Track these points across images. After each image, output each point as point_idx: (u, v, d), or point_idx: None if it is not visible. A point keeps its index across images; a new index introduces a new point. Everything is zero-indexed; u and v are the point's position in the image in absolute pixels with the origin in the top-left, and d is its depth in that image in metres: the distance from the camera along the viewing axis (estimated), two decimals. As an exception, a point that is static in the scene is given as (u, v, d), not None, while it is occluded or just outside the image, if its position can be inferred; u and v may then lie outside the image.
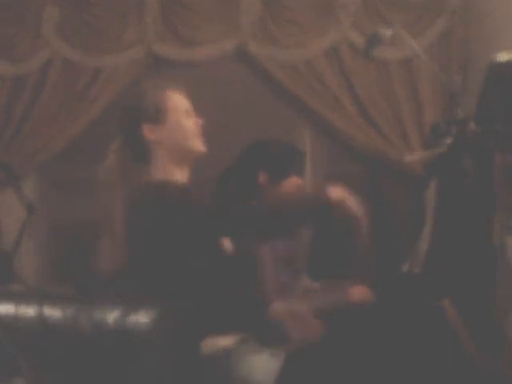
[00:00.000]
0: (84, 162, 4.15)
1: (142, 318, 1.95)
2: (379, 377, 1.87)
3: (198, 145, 2.09)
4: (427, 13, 3.86)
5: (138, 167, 2.10)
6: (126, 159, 2.12)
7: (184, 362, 1.88)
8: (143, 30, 3.97)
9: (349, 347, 1.99)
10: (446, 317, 1.94)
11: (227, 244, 2.06)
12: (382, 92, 3.90)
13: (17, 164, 3.95)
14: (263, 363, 1.89)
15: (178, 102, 2.11)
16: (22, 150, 3.99)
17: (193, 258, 1.86)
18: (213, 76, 4.10)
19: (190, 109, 2.12)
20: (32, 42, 4.01)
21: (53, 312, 2.03)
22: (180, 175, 2.08)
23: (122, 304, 2.01)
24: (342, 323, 2.33)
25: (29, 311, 2.04)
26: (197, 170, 4.44)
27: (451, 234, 2.20)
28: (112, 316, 1.97)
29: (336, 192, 1.92)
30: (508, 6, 3.33)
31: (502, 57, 2.10)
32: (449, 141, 2.36)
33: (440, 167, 2.41)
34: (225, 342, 1.91)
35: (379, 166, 3.94)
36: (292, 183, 2.68)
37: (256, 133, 3.77)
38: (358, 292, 2.54)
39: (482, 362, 1.91)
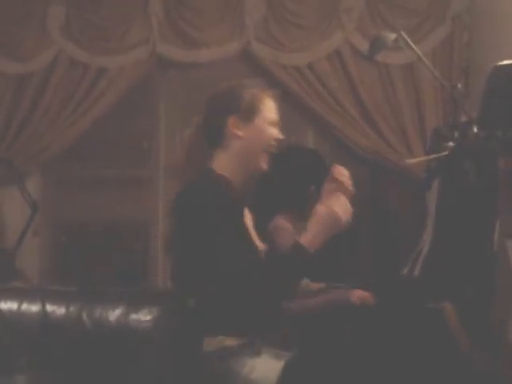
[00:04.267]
0: (88, 160, 4.17)
1: (143, 317, 1.96)
2: (379, 378, 1.87)
3: (265, 161, 2.07)
4: (430, 18, 3.87)
5: (208, 153, 2.07)
6: (199, 143, 2.10)
7: (185, 361, 1.89)
8: (148, 30, 3.99)
9: (348, 349, 2.00)
10: (446, 319, 1.95)
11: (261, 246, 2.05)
12: (384, 96, 3.91)
13: (21, 162, 3.96)
14: (265, 366, 1.89)
15: (271, 109, 2.09)
16: (26, 148, 4.01)
17: (225, 257, 1.85)
18: (217, 77, 4.11)
19: (277, 122, 2.11)
20: (37, 41, 4.03)
21: (55, 310, 2.04)
22: (239, 177, 2.05)
23: (124, 302, 2.02)
24: (342, 325, 2.34)
25: (31, 309, 2.05)
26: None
27: (452, 237, 2.20)
28: (114, 314, 1.99)
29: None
30: (510, 12, 3.34)
31: (505, 62, 2.11)
32: (451, 145, 2.37)
33: (442, 170, 2.42)
34: (227, 342, 1.91)
35: (381, 169, 3.95)
36: None
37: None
38: (359, 294, 2.54)
39: (481, 364, 1.91)
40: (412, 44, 2.71)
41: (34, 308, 2.04)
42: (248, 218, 2.06)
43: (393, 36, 2.70)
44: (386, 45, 2.73)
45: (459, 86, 2.61)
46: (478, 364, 1.86)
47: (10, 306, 2.06)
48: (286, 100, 4.06)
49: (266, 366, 1.88)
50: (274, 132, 2.09)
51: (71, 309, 2.02)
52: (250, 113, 2.04)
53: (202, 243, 1.87)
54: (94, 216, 4.16)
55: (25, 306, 2.05)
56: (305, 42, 3.92)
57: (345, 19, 3.91)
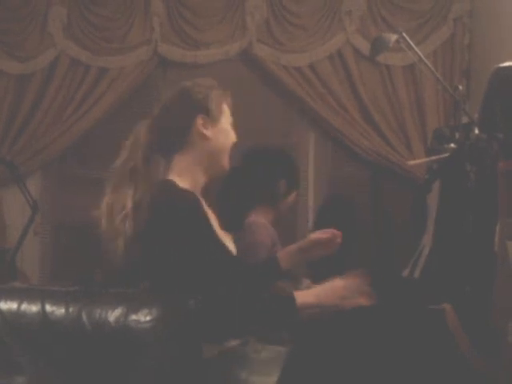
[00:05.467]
0: (88, 161, 4.18)
1: (143, 317, 1.95)
2: (378, 379, 1.87)
3: (228, 162, 2.06)
4: (431, 20, 3.88)
5: (162, 160, 2.04)
6: (151, 149, 2.05)
7: (185, 362, 1.88)
8: (149, 31, 4.01)
9: (348, 350, 2.00)
10: (446, 320, 1.94)
11: (231, 246, 2.07)
12: (385, 97, 3.91)
13: (22, 162, 3.97)
14: (264, 366, 1.89)
15: (228, 111, 2.09)
16: (28, 148, 4.02)
17: (197, 260, 1.86)
18: (217, 78, 4.11)
19: (233, 123, 2.10)
20: (39, 41, 4.05)
21: (55, 310, 2.03)
22: (201, 183, 2.04)
23: (124, 303, 2.02)
24: (342, 326, 2.34)
25: (31, 309, 2.04)
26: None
27: (452, 239, 2.20)
28: (114, 315, 1.98)
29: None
30: (511, 14, 3.34)
31: (506, 64, 2.11)
32: (452, 146, 2.36)
33: (443, 172, 2.41)
34: (227, 343, 1.91)
35: (382, 170, 3.95)
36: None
37: (260, 135, 3.78)
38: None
39: (481, 366, 1.91)
40: (413, 45, 2.71)
41: (34, 308, 2.03)
42: (214, 221, 2.04)
43: (394, 37, 2.70)
44: (387, 46, 2.73)
45: (460, 87, 2.61)
46: (477, 365, 1.86)
47: (9, 305, 2.05)
48: (287, 101, 4.07)
49: (265, 367, 1.88)
50: (233, 133, 2.08)
51: (71, 309, 2.01)
52: (217, 112, 2.03)
53: (177, 260, 1.87)
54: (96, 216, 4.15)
55: (24, 306, 2.04)
56: (306, 42, 3.93)
57: (346, 20, 3.92)
